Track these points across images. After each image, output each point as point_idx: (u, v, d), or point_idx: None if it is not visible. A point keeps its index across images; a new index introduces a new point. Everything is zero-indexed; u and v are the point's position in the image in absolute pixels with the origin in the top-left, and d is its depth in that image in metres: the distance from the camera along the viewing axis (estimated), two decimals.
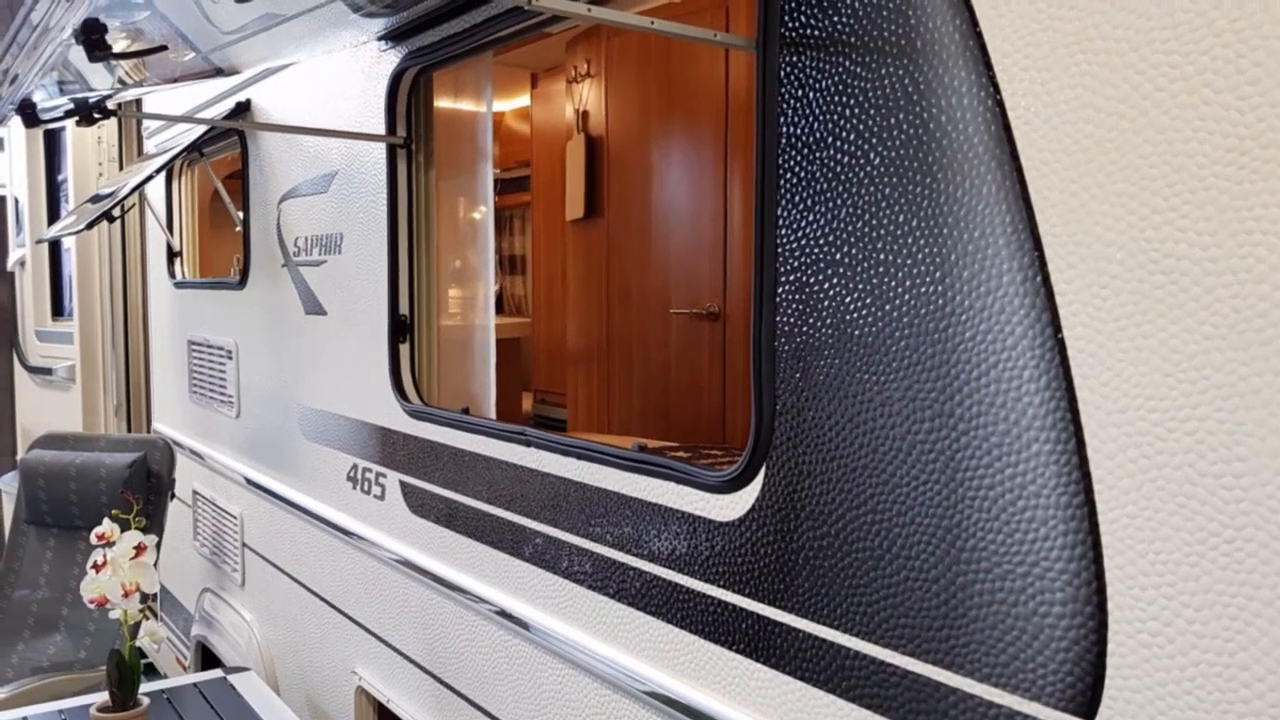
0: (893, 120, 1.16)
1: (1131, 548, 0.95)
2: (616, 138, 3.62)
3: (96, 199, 3.79)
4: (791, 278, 1.29)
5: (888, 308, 1.17)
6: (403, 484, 2.35)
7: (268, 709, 2.45)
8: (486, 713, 2.08)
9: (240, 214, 3.36)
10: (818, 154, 1.25)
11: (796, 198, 1.28)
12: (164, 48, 2.34)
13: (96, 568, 2.15)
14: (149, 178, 3.52)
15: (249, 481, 3.29)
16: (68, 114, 2.61)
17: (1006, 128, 1.04)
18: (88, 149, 4.88)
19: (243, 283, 3.32)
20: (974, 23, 1.07)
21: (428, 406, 2.34)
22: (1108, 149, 0.96)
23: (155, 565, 2.20)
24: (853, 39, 1.20)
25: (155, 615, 2.18)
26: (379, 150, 2.45)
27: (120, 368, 4.89)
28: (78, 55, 2.07)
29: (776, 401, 1.33)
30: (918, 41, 1.12)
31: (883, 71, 1.17)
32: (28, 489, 3.53)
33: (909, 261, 1.14)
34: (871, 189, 1.19)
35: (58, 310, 5.60)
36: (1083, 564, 0.99)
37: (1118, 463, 0.96)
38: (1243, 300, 0.87)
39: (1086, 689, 0.99)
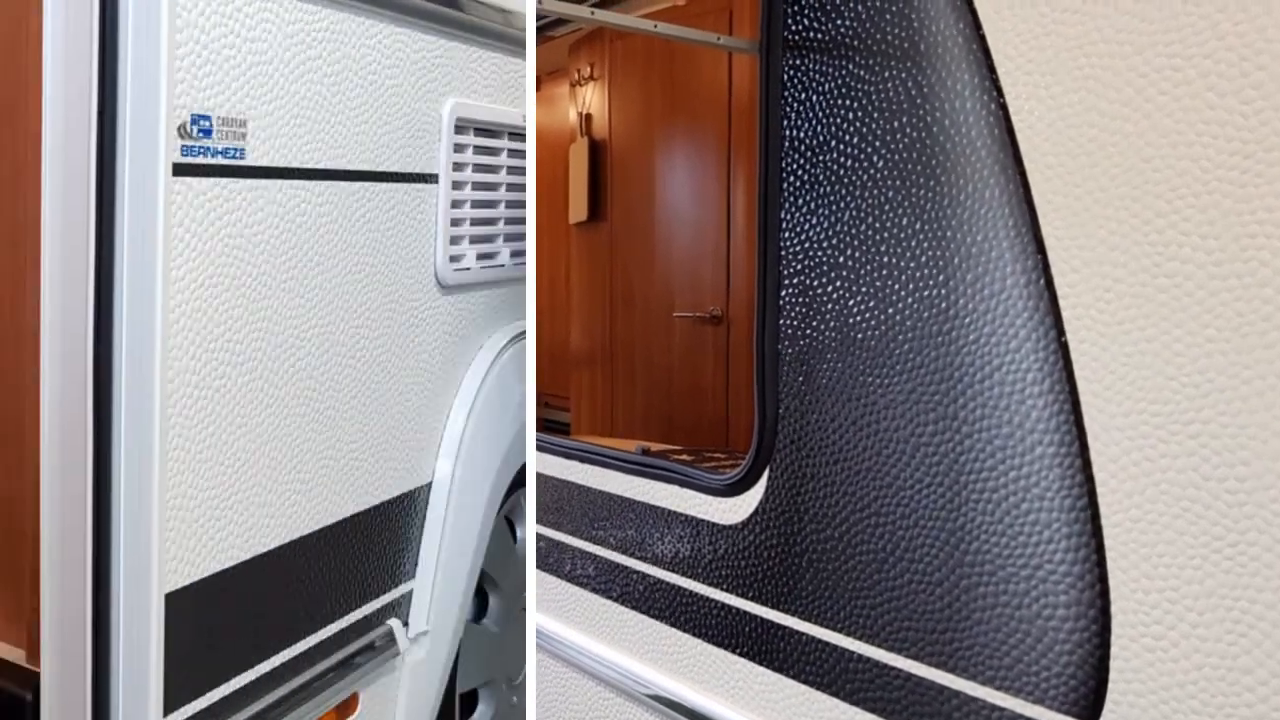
0: (896, 124, 1.16)
1: (1135, 551, 0.95)
2: (620, 141, 3.62)
3: None
4: (795, 281, 1.30)
5: (891, 311, 1.17)
6: None
7: None
8: None
9: None
10: (821, 157, 1.25)
11: (800, 201, 1.28)
12: None
13: None
14: None
15: None
16: None
17: (1010, 131, 1.04)
18: None
19: None
20: (977, 26, 1.07)
21: None
22: (1111, 153, 0.96)
23: None
24: (856, 42, 1.20)
25: None
26: None
27: None
28: None
29: (780, 405, 1.32)
30: (921, 45, 1.13)
31: (886, 75, 1.17)
32: None
33: (912, 265, 1.14)
34: (875, 192, 1.19)
35: None
36: (1086, 567, 0.99)
37: (1121, 466, 0.96)
38: (1246, 304, 0.87)
39: (1090, 692, 0.99)
